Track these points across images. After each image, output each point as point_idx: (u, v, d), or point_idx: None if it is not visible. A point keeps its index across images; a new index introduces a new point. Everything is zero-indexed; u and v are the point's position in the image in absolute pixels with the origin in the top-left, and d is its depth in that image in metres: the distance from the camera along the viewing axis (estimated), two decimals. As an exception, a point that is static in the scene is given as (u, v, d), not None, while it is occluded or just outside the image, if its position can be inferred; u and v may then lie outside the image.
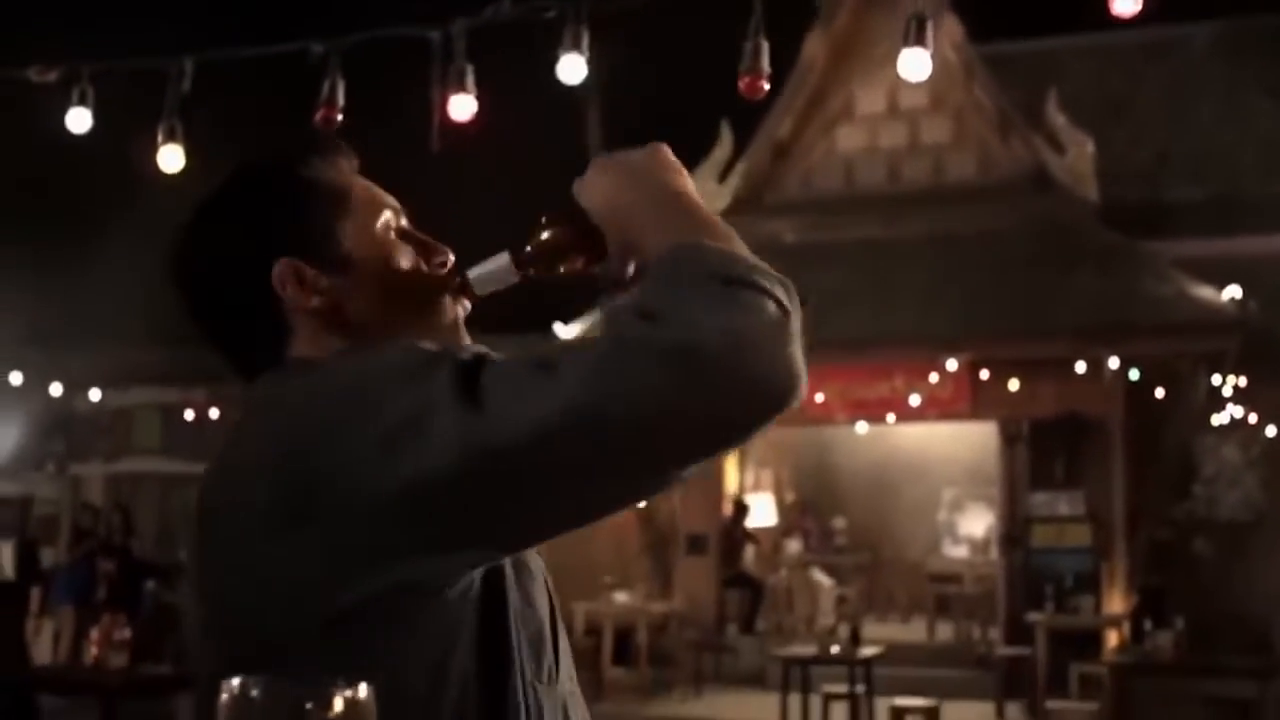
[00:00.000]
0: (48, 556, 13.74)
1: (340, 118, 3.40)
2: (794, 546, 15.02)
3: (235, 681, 0.84)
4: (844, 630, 10.11)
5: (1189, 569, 11.73)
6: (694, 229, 1.25)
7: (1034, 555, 11.92)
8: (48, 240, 13.63)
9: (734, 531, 13.64)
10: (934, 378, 12.29)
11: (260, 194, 1.35)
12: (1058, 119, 13.00)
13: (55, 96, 3.62)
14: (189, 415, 14.77)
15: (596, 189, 1.30)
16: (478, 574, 1.18)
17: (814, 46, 13.68)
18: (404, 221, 1.40)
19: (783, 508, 16.19)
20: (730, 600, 13.57)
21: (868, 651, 9.58)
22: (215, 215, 1.36)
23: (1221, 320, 11.26)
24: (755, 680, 11.96)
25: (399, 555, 1.12)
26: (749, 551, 13.72)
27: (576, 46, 3.14)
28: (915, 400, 12.48)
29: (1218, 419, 12.17)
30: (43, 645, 11.17)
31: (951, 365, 12.12)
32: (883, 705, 9.29)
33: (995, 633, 12.63)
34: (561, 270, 1.33)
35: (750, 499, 14.60)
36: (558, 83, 3.18)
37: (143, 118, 3.66)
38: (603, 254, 1.31)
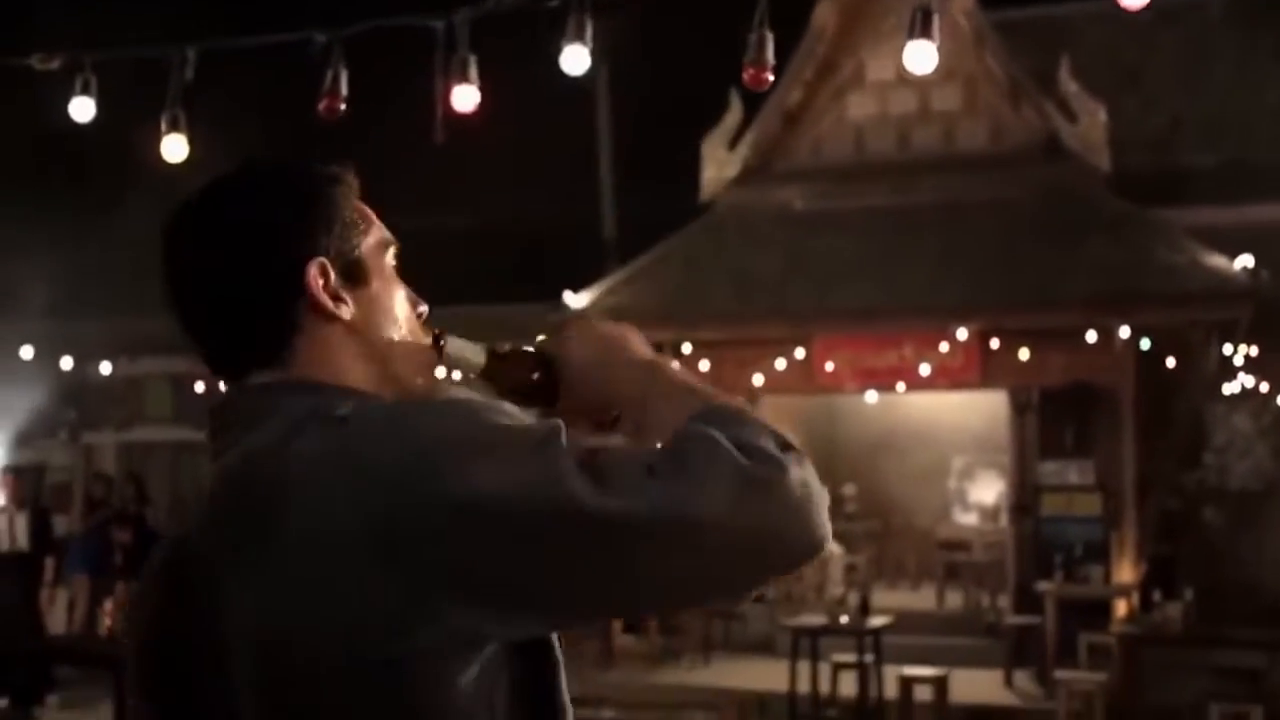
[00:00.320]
0: (60, 525, 13.82)
1: (343, 107, 3.39)
2: (804, 514, 15.03)
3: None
4: (853, 599, 10.17)
5: (1199, 538, 11.75)
6: (711, 397, 1.33)
7: (1044, 524, 11.93)
8: (58, 210, 13.62)
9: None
10: (944, 347, 12.26)
11: (298, 189, 1.34)
12: (1069, 86, 12.90)
13: (60, 78, 3.61)
14: (200, 385, 14.81)
15: (585, 352, 1.40)
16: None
17: (824, 13, 13.58)
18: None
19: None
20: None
21: (876, 622, 9.62)
22: (245, 199, 1.33)
23: (1233, 289, 11.20)
24: (764, 648, 12.02)
25: (470, 610, 1.14)
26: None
27: (580, 36, 3.13)
28: (925, 369, 12.46)
29: (1229, 388, 12.15)
30: (57, 615, 11.25)
31: (962, 334, 12.08)
32: (891, 674, 9.34)
33: (1004, 601, 12.66)
34: (514, 397, 1.40)
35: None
36: (563, 70, 3.17)
37: (147, 97, 3.65)
38: (554, 402, 1.41)
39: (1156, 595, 9.57)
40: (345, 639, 1.13)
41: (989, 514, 15.64)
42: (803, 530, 1.18)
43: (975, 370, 12.43)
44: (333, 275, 1.32)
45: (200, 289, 1.32)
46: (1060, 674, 9.47)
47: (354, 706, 1.14)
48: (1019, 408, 12.62)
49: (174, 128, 3.46)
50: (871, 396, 14.17)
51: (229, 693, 1.20)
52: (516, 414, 1.21)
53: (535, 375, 1.42)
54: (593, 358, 1.39)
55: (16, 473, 10.57)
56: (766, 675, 10.46)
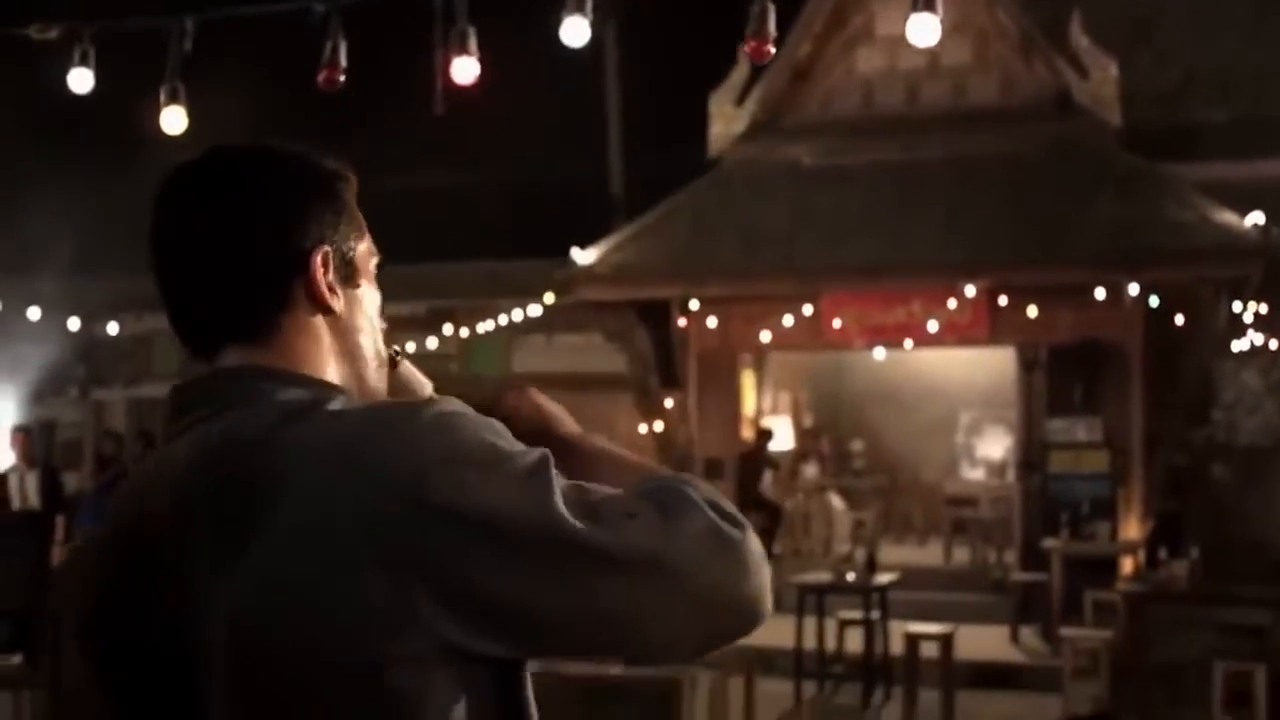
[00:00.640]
0: (71, 482, 13.90)
1: (342, 79, 3.36)
2: (810, 471, 15.08)
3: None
4: (859, 555, 10.20)
5: (1207, 495, 11.76)
6: (656, 468, 1.35)
7: (1051, 481, 11.93)
8: (64, 171, 13.59)
9: (758, 456, 13.69)
10: (952, 303, 12.22)
11: (317, 176, 1.36)
12: (1081, 41, 12.78)
13: (59, 47, 3.59)
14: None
15: (528, 414, 1.45)
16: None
17: (833, -34, 13.48)
18: None
19: (799, 432, 16.23)
20: (747, 524, 13.64)
21: (882, 579, 9.66)
22: (268, 171, 1.33)
23: (1243, 246, 11.14)
24: (772, 604, 12.05)
25: (454, 622, 1.14)
26: (766, 476, 13.79)
27: (580, 9, 3.10)
28: (933, 326, 12.42)
29: (1238, 345, 12.12)
30: (69, 572, 11.35)
31: (970, 291, 12.04)
32: (898, 630, 9.39)
33: (1011, 557, 12.71)
34: None
35: (768, 422, 14.65)
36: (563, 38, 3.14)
37: (147, 68, 3.63)
38: None
39: (1163, 553, 9.58)
40: (331, 635, 1.12)
41: (996, 469, 15.69)
42: (756, 593, 1.20)
43: (983, 327, 12.40)
44: (332, 267, 1.33)
45: (202, 249, 1.30)
46: (1065, 631, 9.50)
47: (331, 703, 1.13)
48: (1027, 365, 12.60)
49: (173, 99, 3.45)
50: (879, 353, 14.16)
51: (191, 677, 1.18)
52: (510, 435, 1.21)
53: None
54: (534, 423, 1.42)
55: (26, 432, 10.60)
56: (773, 631, 10.44)
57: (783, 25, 3.18)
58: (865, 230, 12.42)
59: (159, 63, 3.44)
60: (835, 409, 17.35)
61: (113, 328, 14.17)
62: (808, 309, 12.59)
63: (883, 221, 12.44)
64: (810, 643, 9.57)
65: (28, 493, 10.22)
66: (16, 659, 9.95)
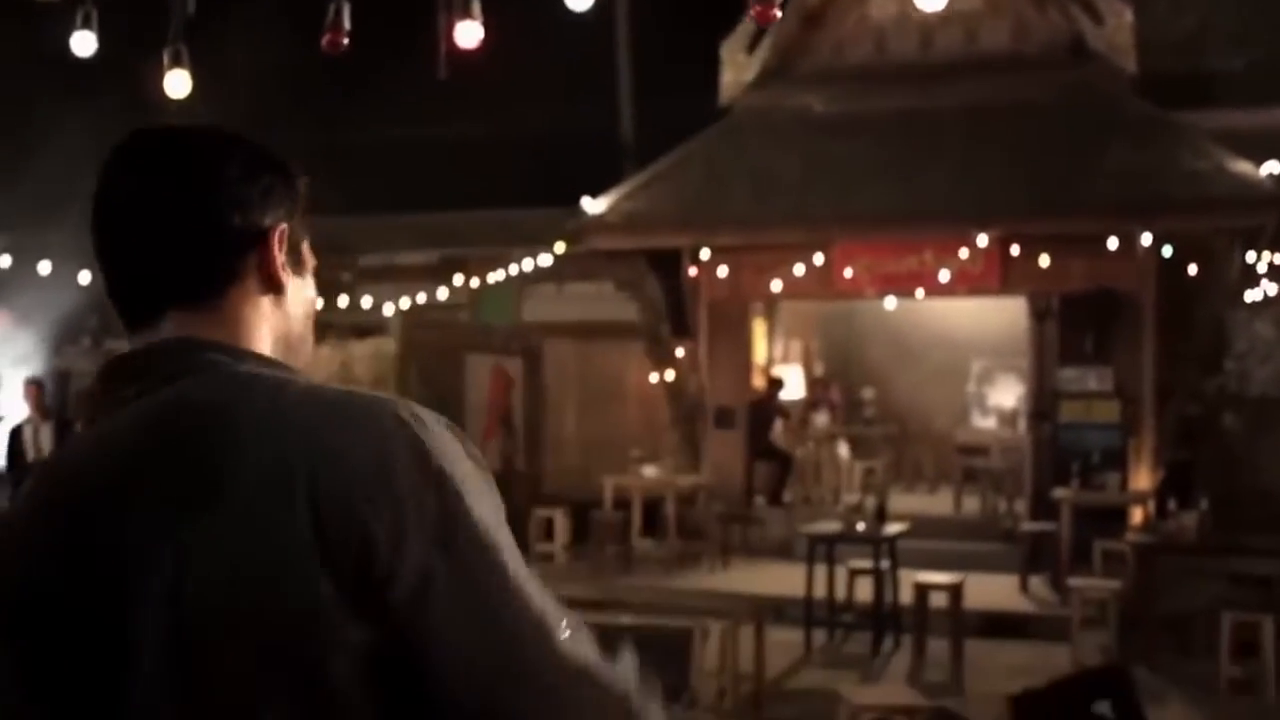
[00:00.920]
0: (85, 431, 13.96)
1: (346, 42, 3.34)
2: (821, 419, 15.10)
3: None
4: (870, 505, 10.23)
5: (1218, 444, 11.76)
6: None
7: (1062, 431, 11.93)
8: (70, 123, 13.55)
9: (768, 405, 13.71)
10: (964, 253, 12.18)
11: (284, 163, 1.38)
12: (1096, -14, 12.64)
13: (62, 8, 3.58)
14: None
15: None
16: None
17: (846, -90, 13.32)
18: None
19: (810, 380, 16.24)
20: (758, 473, 13.69)
21: (892, 529, 9.70)
22: (237, 145, 1.34)
23: (1258, 196, 11.05)
24: (782, 552, 12.13)
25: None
26: (777, 424, 13.81)
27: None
28: (945, 275, 12.39)
29: (1251, 295, 12.07)
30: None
31: (982, 240, 12.00)
32: (907, 579, 9.43)
33: (1021, 506, 12.73)
34: None
35: (779, 371, 14.66)
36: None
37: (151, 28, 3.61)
38: None
39: (1172, 504, 9.59)
40: (277, 615, 1.09)
41: (1007, 418, 15.68)
42: None
43: (995, 276, 12.37)
44: (285, 249, 1.35)
45: (165, 211, 1.28)
46: (1074, 581, 9.54)
47: (268, 685, 1.10)
48: (1039, 314, 12.57)
49: (176, 63, 3.43)
50: (890, 302, 14.12)
51: (123, 651, 1.12)
52: (470, 444, 1.22)
53: None
54: None
55: (39, 384, 10.63)
56: (784, 580, 10.57)
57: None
58: (877, 179, 12.35)
59: (163, 26, 3.43)
60: (846, 357, 17.35)
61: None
62: (819, 258, 12.56)
63: (894, 170, 12.37)
64: (820, 591, 9.62)
65: (42, 444, 10.27)
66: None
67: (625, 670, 1.23)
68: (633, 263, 13.46)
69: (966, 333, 16.31)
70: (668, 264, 13.23)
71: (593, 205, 13.03)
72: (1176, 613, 9.06)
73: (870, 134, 12.78)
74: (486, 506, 1.17)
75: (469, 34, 3.23)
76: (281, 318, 1.35)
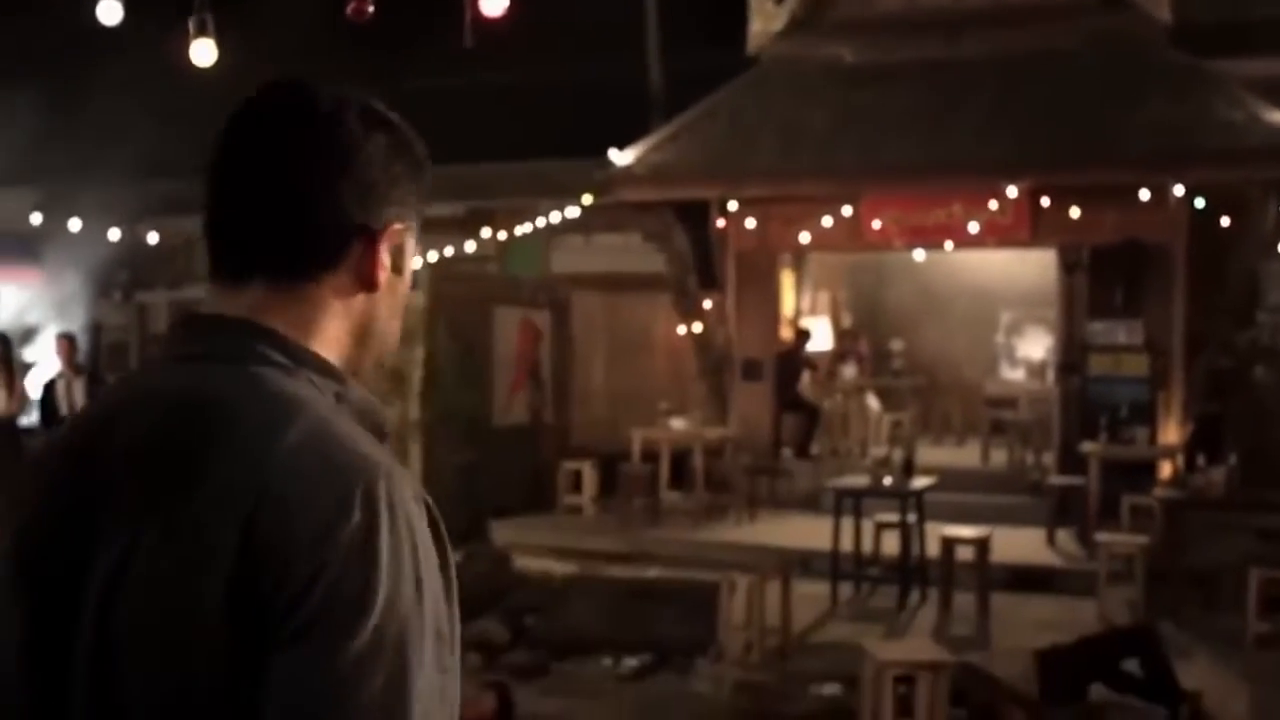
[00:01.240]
0: (119, 383, 14.10)
1: (371, 9, 3.33)
2: (849, 371, 15.08)
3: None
4: (897, 457, 10.25)
5: (1249, 397, 11.68)
6: None
7: (1090, 384, 11.88)
8: (102, 76, 13.58)
9: (795, 357, 13.70)
10: (993, 204, 12.10)
11: (413, 152, 1.33)
12: (1129, -69, 12.44)
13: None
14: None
15: None
16: None
17: None
18: None
19: (838, 332, 16.20)
20: (786, 425, 13.70)
21: (919, 483, 9.71)
22: (381, 121, 1.29)
23: (1293, 146, 10.92)
24: (810, 504, 12.16)
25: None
26: (805, 376, 13.80)
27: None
28: (974, 227, 12.32)
29: (1284, 247, 11.95)
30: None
31: (1012, 192, 11.91)
32: (934, 533, 9.46)
33: (1049, 459, 12.71)
34: None
35: (806, 323, 14.63)
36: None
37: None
38: None
39: (1201, 459, 9.56)
40: (176, 625, 1.11)
41: (1036, 370, 15.63)
42: None
43: (1025, 228, 12.29)
44: (393, 247, 1.31)
45: (291, 173, 1.25)
46: (1101, 536, 9.54)
47: (154, 687, 1.12)
48: (1068, 266, 12.48)
49: (202, 31, 3.44)
50: (919, 254, 14.04)
51: (69, 621, 1.16)
52: (426, 542, 1.18)
53: None
54: None
55: (70, 339, 10.73)
56: (811, 532, 10.61)
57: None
58: (906, 130, 12.26)
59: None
60: (874, 308, 17.28)
61: (153, 237, 14.26)
62: (847, 210, 12.50)
63: (924, 121, 12.27)
64: (847, 545, 9.65)
65: (75, 398, 10.38)
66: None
67: None
68: (660, 214, 13.43)
69: (995, 283, 16.22)
70: (695, 216, 13.19)
71: (620, 157, 12.99)
72: (1204, 568, 9.05)
73: (899, 84, 12.67)
74: (408, 610, 1.12)
75: (494, 3, 3.22)
76: (365, 314, 1.31)
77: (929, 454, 13.54)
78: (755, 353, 13.56)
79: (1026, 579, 9.90)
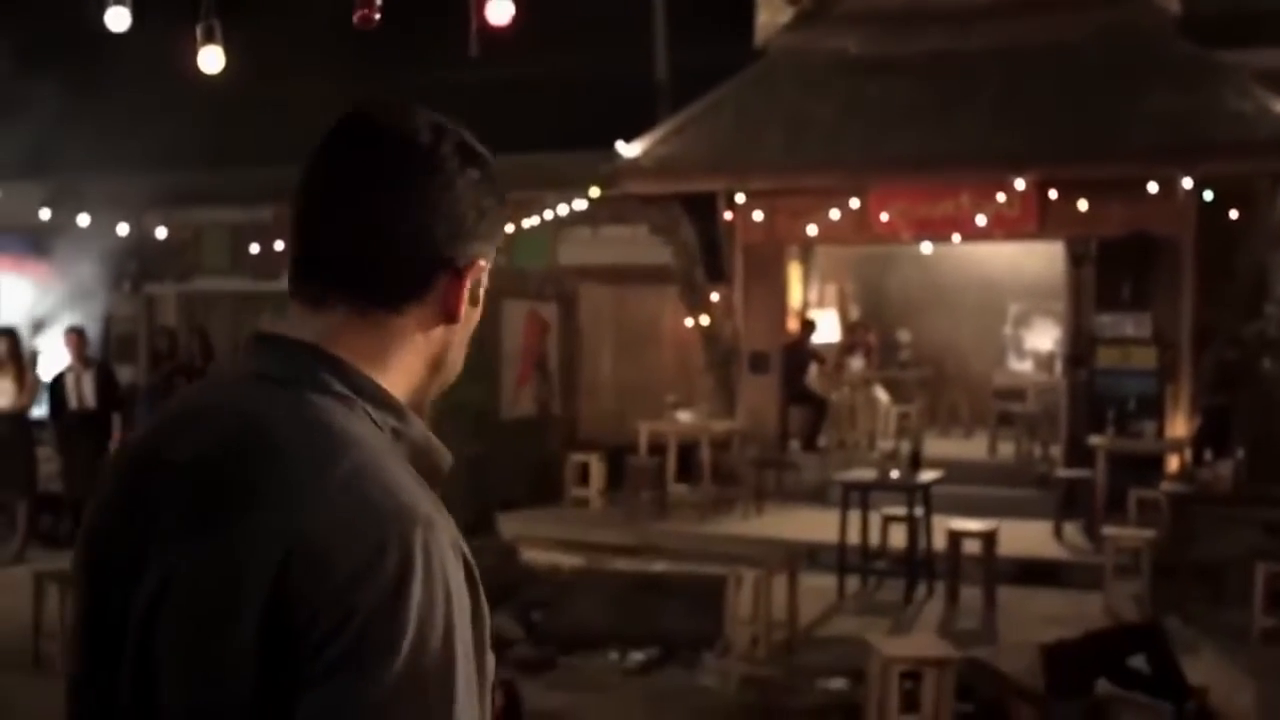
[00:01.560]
0: (126, 375, 14.14)
1: (378, 18, 3.34)
2: (856, 363, 15.08)
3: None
4: (904, 449, 10.24)
5: (1256, 389, 11.65)
6: None
7: (1098, 377, 11.86)
8: (110, 70, 13.61)
9: (801, 349, 13.70)
10: (1001, 197, 12.09)
11: (498, 188, 1.34)
12: (1138, -79, 12.39)
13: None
14: (256, 234, 14.97)
15: None
16: None
17: None
18: None
19: (846, 324, 16.20)
20: (793, 417, 13.71)
21: (925, 477, 9.71)
22: (473, 161, 1.30)
23: (1303, 138, 10.88)
24: (817, 497, 12.16)
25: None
26: (812, 369, 13.80)
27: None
28: (981, 220, 12.30)
29: (1293, 239, 11.91)
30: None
31: (1019, 184, 11.90)
32: (941, 526, 9.46)
33: (1056, 452, 12.70)
34: None
35: (814, 315, 14.62)
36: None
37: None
38: None
39: (1208, 454, 9.56)
40: (209, 652, 1.14)
41: (1044, 362, 15.62)
42: None
43: (1033, 220, 12.26)
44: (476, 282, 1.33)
45: (387, 203, 1.25)
46: (1108, 530, 9.53)
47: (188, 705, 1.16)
48: (1076, 259, 12.46)
49: (209, 38, 3.44)
50: (926, 247, 14.02)
51: (121, 630, 1.20)
52: (460, 597, 1.18)
53: None
54: None
55: (79, 332, 10.75)
56: (818, 525, 10.62)
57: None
58: (913, 122, 12.24)
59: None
60: (882, 300, 17.28)
61: (161, 232, 14.31)
62: (855, 202, 12.49)
63: (931, 113, 12.25)
64: (854, 538, 9.66)
65: (84, 392, 10.41)
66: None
67: None
68: (667, 207, 13.42)
69: (1003, 275, 16.21)
70: (703, 208, 13.18)
71: (627, 149, 12.98)
72: (1210, 562, 9.05)
73: (906, 76, 12.65)
74: (435, 656, 1.12)
75: (500, 11, 3.22)
76: (441, 344, 1.33)
77: (936, 446, 13.56)
78: (763, 345, 13.56)
79: (1033, 572, 9.89)
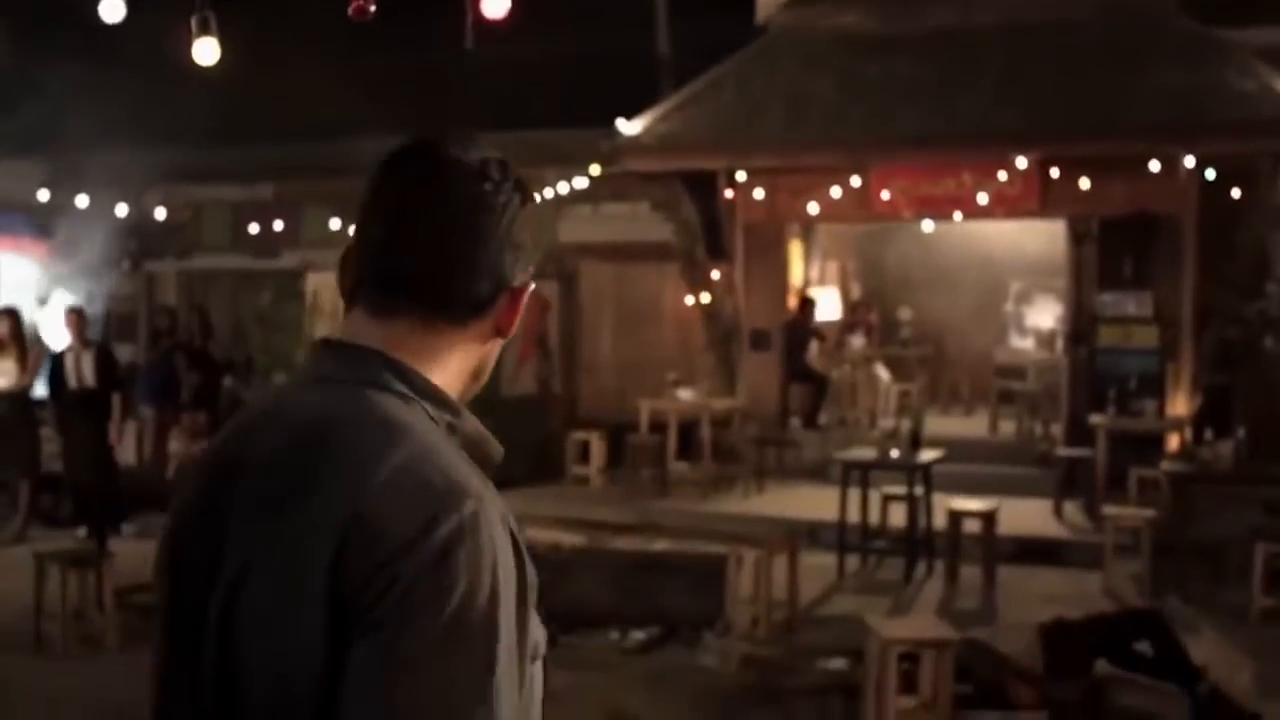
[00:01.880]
0: (126, 353, 14.14)
1: (373, 9, 3.32)
2: (857, 341, 15.07)
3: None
4: (905, 428, 10.22)
5: (1257, 368, 11.65)
6: None
7: (1099, 355, 11.85)
8: (114, 46, 13.55)
9: (801, 326, 13.68)
10: (1003, 175, 12.06)
11: (537, 213, 1.49)
12: (1140, -103, 12.32)
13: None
14: (256, 212, 14.95)
15: None
16: None
17: None
18: None
19: (848, 302, 16.18)
20: (794, 395, 13.71)
21: (926, 457, 9.70)
22: (522, 189, 1.44)
23: (1306, 117, 10.84)
24: (817, 475, 12.18)
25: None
26: (813, 346, 13.79)
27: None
28: (983, 198, 12.27)
29: (1295, 218, 11.88)
30: (127, 447, 11.61)
31: (1021, 163, 11.86)
32: (941, 505, 9.46)
33: (1057, 430, 12.70)
34: None
35: (815, 293, 14.61)
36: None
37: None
38: None
39: (1209, 434, 9.56)
40: (281, 622, 1.26)
41: (1045, 339, 15.60)
42: None
43: (1034, 199, 12.23)
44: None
45: (457, 236, 1.39)
46: (1109, 509, 9.54)
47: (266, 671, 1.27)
48: (1077, 237, 12.44)
49: (204, 30, 3.42)
50: (928, 225, 13.99)
51: (204, 623, 1.32)
52: (509, 574, 1.28)
53: None
54: None
55: (79, 312, 10.73)
56: (819, 503, 10.63)
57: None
58: (915, 100, 12.20)
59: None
60: (883, 278, 17.25)
61: (160, 212, 14.28)
62: (856, 180, 12.46)
63: (933, 91, 12.21)
64: (854, 517, 9.67)
65: (83, 372, 10.40)
66: (80, 532, 10.32)
67: None
68: (668, 184, 13.38)
69: (1004, 252, 16.18)
70: (703, 186, 13.15)
71: (628, 127, 12.94)
72: (1210, 541, 9.06)
73: (908, 54, 12.60)
74: (481, 616, 1.22)
75: (496, 5, 3.20)
76: (486, 353, 1.48)
77: (937, 424, 13.55)
78: (764, 323, 13.55)
79: (1033, 551, 9.91)
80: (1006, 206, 12.42)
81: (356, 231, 1.44)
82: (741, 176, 12.90)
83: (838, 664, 7.01)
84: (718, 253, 13.34)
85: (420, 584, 1.21)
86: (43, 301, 14.89)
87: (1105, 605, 8.25)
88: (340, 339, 1.42)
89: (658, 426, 12.40)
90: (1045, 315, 16.12)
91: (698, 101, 13.11)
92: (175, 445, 11.67)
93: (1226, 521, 9.10)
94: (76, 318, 10.56)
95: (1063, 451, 11.54)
